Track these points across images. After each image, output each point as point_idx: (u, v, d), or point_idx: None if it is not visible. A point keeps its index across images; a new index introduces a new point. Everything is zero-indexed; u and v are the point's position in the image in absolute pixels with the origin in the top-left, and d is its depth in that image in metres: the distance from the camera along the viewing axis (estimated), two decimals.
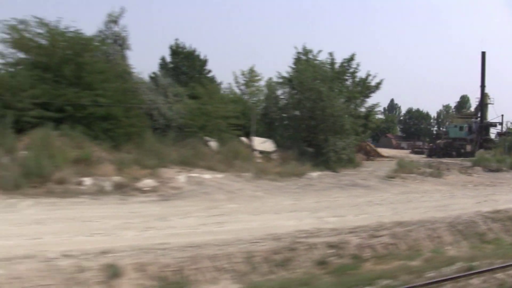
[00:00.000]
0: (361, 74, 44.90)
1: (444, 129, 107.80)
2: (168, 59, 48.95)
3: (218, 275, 13.43)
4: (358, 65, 44.05)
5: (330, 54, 42.85)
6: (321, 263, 15.22)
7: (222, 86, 47.58)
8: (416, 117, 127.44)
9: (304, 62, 40.50)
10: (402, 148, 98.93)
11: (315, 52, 42.73)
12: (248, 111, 37.31)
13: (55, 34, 28.30)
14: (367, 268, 15.45)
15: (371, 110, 46.16)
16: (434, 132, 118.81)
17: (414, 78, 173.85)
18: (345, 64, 43.64)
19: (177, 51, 47.61)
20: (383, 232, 18.03)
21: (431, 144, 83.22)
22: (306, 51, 42.47)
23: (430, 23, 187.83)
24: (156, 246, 13.86)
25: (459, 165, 44.17)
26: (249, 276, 13.72)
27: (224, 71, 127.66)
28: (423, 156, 65.64)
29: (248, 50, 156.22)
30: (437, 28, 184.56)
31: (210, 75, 49.25)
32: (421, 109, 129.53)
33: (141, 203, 21.05)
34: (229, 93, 43.41)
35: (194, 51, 48.23)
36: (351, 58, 43.79)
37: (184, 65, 46.46)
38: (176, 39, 48.64)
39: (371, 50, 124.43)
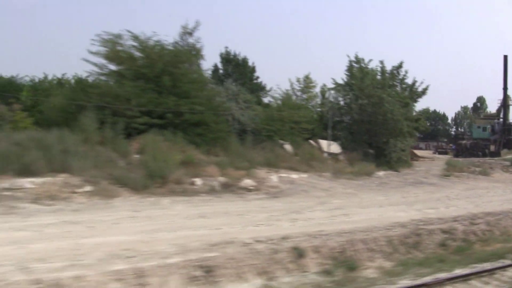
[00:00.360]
0: (407, 80, 47.57)
1: (462, 130, 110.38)
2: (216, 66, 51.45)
3: (372, 254, 16.19)
4: (406, 72, 46.85)
5: (381, 62, 45.53)
6: (442, 245, 18.05)
7: (271, 92, 49.91)
8: (433, 118, 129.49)
9: (359, 70, 43.26)
10: (420, 149, 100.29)
11: (366, 60, 45.41)
12: (311, 116, 39.97)
13: (151, 47, 31.03)
14: (478, 249, 18.35)
15: (421, 114, 48.96)
16: (453, 133, 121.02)
17: (427, 80, 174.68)
18: (394, 71, 46.31)
19: (229, 59, 50.19)
20: (479, 221, 20.82)
21: (450, 145, 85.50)
22: (358, 60, 45.16)
23: (439, 25, 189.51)
24: (316, 233, 16.55)
25: (500, 164, 46.70)
26: (394, 255, 16.48)
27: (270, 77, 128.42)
28: (449, 156, 67.57)
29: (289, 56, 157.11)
30: (448, 29, 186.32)
31: (258, 81, 51.74)
32: (437, 110, 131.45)
33: (258, 200, 23.78)
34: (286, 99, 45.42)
35: (245, 59, 50.85)
36: (399, 66, 46.52)
37: (235, 72, 48.97)
38: (226, 47, 51.29)
39: (379, 52, 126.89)
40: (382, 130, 39.46)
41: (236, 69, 49.76)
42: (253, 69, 51.71)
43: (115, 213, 18.89)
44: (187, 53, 32.88)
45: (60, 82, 46.58)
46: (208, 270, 13.27)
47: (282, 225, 17.93)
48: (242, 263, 13.90)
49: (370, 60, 45.24)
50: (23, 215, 18.44)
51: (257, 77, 52.03)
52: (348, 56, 45.57)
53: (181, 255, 13.68)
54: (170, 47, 32.02)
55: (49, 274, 11.91)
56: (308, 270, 14.53)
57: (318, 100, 46.90)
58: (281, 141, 34.98)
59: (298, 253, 14.89)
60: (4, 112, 28.53)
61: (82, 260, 12.82)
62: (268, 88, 50.85)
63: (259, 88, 48.99)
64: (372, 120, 39.70)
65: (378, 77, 43.87)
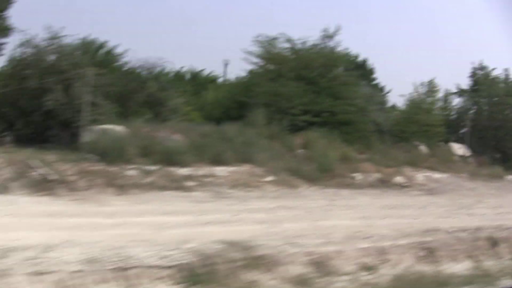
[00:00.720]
0: None
1: None
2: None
3: None
4: None
5: (505, 70, 47.02)
6: None
7: (390, 94, 51.78)
8: None
9: (484, 77, 45.22)
10: None
11: (490, 68, 47.07)
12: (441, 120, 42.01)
13: (306, 50, 34.24)
14: None
15: None
16: None
17: None
18: None
19: (350, 61, 52.19)
20: None
21: None
22: (482, 67, 46.89)
23: None
24: (499, 226, 19.01)
25: None
26: None
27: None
28: None
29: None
30: None
31: (376, 83, 53.63)
32: None
33: (420, 196, 26.55)
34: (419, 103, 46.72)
35: (365, 60, 52.91)
36: None
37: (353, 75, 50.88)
38: (346, 48, 53.33)
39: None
40: (510, 137, 41.32)
41: (357, 70, 51.61)
42: (372, 71, 53.64)
43: (314, 201, 22.11)
44: (340, 57, 35.74)
45: (178, 75, 49.36)
46: (429, 252, 16.20)
47: (463, 218, 20.61)
48: (452, 247, 16.75)
49: (494, 68, 46.87)
50: (235, 199, 21.94)
51: (376, 79, 53.89)
52: (472, 63, 47.33)
53: (404, 238, 16.66)
54: (324, 51, 34.91)
55: (315, 248, 15.08)
56: (503, 256, 17.18)
57: (441, 104, 48.53)
58: (416, 143, 37.34)
59: (492, 242, 17.57)
60: (177, 104, 32.03)
61: (331, 239, 15.90)
62: (387, 90, 52.69)
63: (379, 90, 50.94)
64: (501, 126, 41.59)
65: (503, 84, 45.49)
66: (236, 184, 23.98)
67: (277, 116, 30.06)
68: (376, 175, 28.79)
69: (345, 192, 25.01)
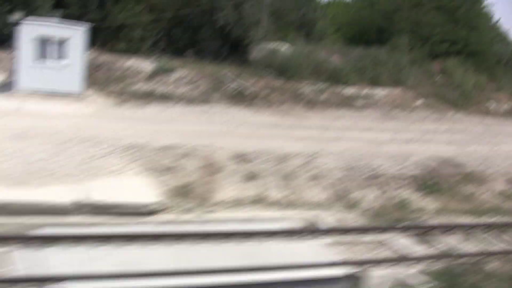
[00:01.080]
0: None
1: None
2: None
3: None
4: None
5: None
6: None
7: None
8: None
9: None
10: None
11: None
12: None
13: None
14: None
15: None
16: None
17: None
18: None
19: None
20: None
21: None
22: None
23: None
24: None
25: None
26: None
27: None
28: None
29: None
30: None
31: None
32: None
33: None
34: None
35: None
36: None
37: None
38: None
39: None
40: None
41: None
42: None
43: (471, 127, 25.13)
44: None
45: None
46: None
47: None
48: None
49: None
50: (403, 120, 25.10)
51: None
52: None
53: None
54: None
55: (507, 169, 18.68)
56: None
57: None
58: None
59: None
60: (325, 26, 34.75)
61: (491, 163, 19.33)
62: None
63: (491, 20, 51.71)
64: None
65: None
66: (395, 105, 26.64)
67: (418, 43, 32.42)
68: (506, 105, 31.07)
69: (488, 120, 27.50)
